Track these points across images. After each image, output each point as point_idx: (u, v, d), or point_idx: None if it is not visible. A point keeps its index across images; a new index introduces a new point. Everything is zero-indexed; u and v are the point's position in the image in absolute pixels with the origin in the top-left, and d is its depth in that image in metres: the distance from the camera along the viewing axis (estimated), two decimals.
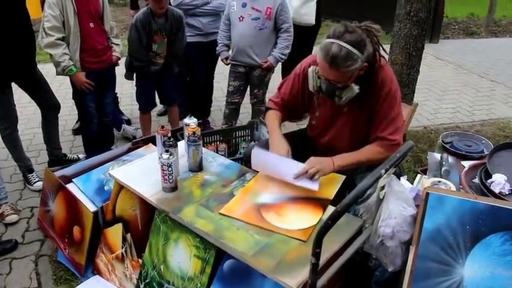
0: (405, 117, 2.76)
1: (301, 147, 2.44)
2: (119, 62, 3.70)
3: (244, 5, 3.64)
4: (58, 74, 3.39)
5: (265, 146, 2.43)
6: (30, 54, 3.24)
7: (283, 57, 3.80)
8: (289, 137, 2.45)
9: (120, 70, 3.80)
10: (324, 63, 2.06)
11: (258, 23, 3.64)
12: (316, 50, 2.11)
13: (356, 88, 2.13)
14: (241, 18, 3.66)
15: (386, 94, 2.21)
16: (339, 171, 2.26)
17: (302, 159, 2.26)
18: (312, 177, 2.17)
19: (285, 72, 5.02)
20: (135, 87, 3.97)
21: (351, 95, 2.14)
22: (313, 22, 4.45)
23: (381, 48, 2.18)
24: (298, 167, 2.20)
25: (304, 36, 4.37)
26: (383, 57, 2.21)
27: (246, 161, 2.61)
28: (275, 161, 2.27)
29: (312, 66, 2.23)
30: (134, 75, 3.85)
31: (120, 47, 3.65)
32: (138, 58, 3.63)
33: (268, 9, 3.61)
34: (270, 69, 3.86)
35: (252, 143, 3.31)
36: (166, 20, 3.55)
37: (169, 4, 3.74)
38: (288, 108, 2.56)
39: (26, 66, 3.23)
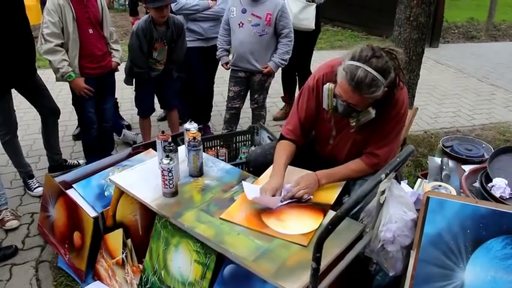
0: (405, 121, 2.77)
1: (305, 154, 2.46)
2: (118, 67, 3.71)
3: (244, 11, 3.64)
4: (57, 80, 3.40)
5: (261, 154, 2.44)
6: (30, 60, 3.25)
7: (284, 62, 3.80)
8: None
9: (120, 75, 3.81)
10: (347, 87, 2.00)
11: (258, 29, 3.64)
12: (339, 71, 2.04)
13: (373, 112, 2.09)
14: (241, 24, 3.66)
15: (394, 115, 2.19)
16: None
17: (305, 165, 2.30)
18: (300, 199, 2.17)
19: (284, 77, 5.04)
20: (135, 93, 3.98)
21: (367, 118, 2.10)
22: (313, 27, 4.46)
23: (403, 74, 2.13)
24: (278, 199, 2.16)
25: (304, 41, 4.38)
26: (402, 81, 2.15)
27: (248, 163, 2.63)
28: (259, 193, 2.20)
29: (327, 84, 2.14)
30: (134, 80, 3.86)
31: (119, 52, 3.65)
32: (138, 65, 3.64)
33: (268, 15, 3.61)
34: (270, 75, 3.86)
35: (253, 147, 3.32)
36: (167, 28, 3.56)
37: (171, 10, 3.76)
38: (307, 129, 2.45)
39: (26, 73, 3.23)
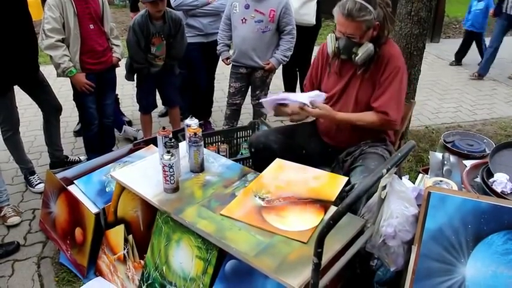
0: (404, 115, 2.77)
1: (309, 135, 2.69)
2: (119, 63, 3.71)
3: (247, 7, 3.63)
4: (58, 75, 3.40)
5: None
6: (33, 56, 3.25)
7: (286, 59, 3.79)
8: (300, 125, 2.71)
9: (121, 71, 3.81)
10: (341, 17, 2.31)
11: (261, 26, 3.62)
12: (334, 12, 2.35)
13: (371, 45, 2.34)
14: (243, 20, 3.65)
15: (393, 70, 2.39)
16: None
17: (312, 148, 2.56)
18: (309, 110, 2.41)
19: (285, 72, 5.03)
20: (136, 89, 3.98)
21: (366, 51, 2.34)
22: (314, 22, 4.45)
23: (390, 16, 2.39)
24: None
25: (305, 36, 4.37)
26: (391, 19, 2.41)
27: (251, 143, 2.69)
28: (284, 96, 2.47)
29: (330, 34, 2.48)
30: (134, 76, 3.86)
31: (120, 48, 3.65)
32: (137, 60, 3.64)
33: (271, 11, 3.60)
34: (271, 71, 3.85)
35: None
36: (164, 23, 3.55)
37: (170, 5, 3.75)
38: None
39: (29, 69, 3.23)
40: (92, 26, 3.35)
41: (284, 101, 2.45)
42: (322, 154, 2.64)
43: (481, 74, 6.40)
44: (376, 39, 2.38)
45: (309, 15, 4.41)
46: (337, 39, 2.42)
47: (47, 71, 4.14)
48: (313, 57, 4.68)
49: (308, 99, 2.38)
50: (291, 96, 2.45)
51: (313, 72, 2.72)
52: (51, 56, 3.29)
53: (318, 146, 2.66)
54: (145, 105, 3.97)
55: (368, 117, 2.44)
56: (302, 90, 3.19)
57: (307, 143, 2.66)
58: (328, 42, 2.48)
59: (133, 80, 3.92)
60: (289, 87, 5.03)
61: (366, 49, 2.34)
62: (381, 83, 2.41)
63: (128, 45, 3.61)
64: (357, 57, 2.36)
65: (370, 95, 2.45)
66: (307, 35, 4.47)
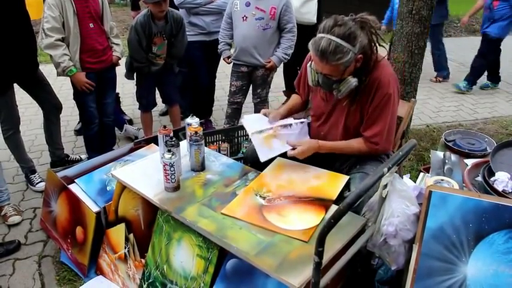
0: (404, 114, 2.77)
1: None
2: (119, 62, 3.70)
3: (247, 4, 3.63)
4: (58, 74, 3.40)
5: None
6: (31, 55, 3.25)
7: (287, 57, 3.79)
8: None
9: (121, 70, 3.80)
10: (316, 58, 2.13)
11: (262, 23, 3.62)
12: (309, 46, 2.16)
13: (353, 81, 2.17)
14: (244, 18, 3.65)
15: (383, 97, 2.23)
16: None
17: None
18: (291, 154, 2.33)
19: (286, 71, 5.02)
20: (136, 87, 3.98)
21: (348, 87, 2.18)
22: (315, 21, 4.45)
23: (379, 39, 2.20)
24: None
25: (306, 35, 4.35)
26: (383, 48, 2.26)
27: (246, 159, 2.61)
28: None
29: (310, 62, 2.27)
30: (134, 75, 3.86)
31: (120, 46, 3.65)
32: (138, 59, 3.64)
33: (272, 9, 3.60)
34: (272, 69, 3.85)
35: None
36: (166, 23, 3.55)
37: (172, 4, 3.74)
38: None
39: (28, 68, 3.23)
40: (91, 25, 3.35)
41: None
42: (317, 164, 2.54)
43: (445, 77, 6.37)
44: (361, 69, 2.20)
45: (309, 13, 4.41)
46: (317, 72, 2.24)
47: (47, 70, 4.15)
48: None
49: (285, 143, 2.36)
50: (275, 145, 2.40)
51: (304, 78, 2.58)
52: (51, 55, 3.29)
53: (313, 156, 2.48)
54: (145, 103, 3.97)
55: (356, 144, 2.34)
56: None
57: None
58: (308, 73, 2.31)
59: (133, 79, 3.91)
60: (290, 85, 5.02)
61: (347, 86, 2.17)
62: (370, 112, 2.27)
63: (129, 44, 3.61)
64: (338, 94, 2.22)
65: (358, 121, 2.34)
66: (308, 33, 4.44)
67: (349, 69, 2.15)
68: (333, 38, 2.04)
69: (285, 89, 5.14)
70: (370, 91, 2.23)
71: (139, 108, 4.03)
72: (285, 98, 5.11)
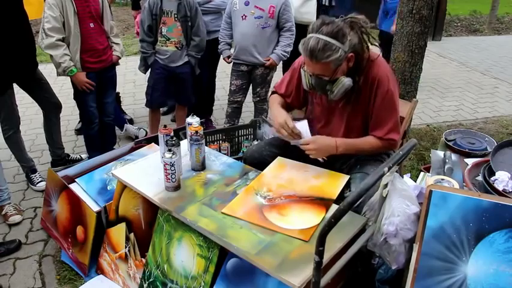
0: (405, 114, 2.77)
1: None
2: (119, 61, 3.71)
3: (247, 3, 3.64)
4: (59, 74, 3.39)
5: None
6: (30, 55, 3.25)
7: (286, 55, 3.79)
8: None
9: (121, 70, 3.80)
10: (306, 58, 2.15)
11: (261, 22, 3.64)
12: (299, 46, 2.17)
13: (346, 80, 2.16)
14: (243, 17, 3.66)
15: (383, 94, 2.23)
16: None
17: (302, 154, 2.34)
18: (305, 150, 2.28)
19: (286, 70, 5.02)
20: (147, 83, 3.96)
21: (341, 87, 2.17)
22: (314, 20, 4.44)
23: (370, 38, 2.20)
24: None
25: (305, 35, 4.36)
26: (375, 46, 2.24)
27: (246, 160, 2.61)
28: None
29: (303, 65, 2.28)
30: (148, 71, 3.85)
31: (120, 46, 3.65)
32: (142, 45, 3.68)
33: (271, 7, 3.61)
34: (272, 68, 3.85)
35: (255, 141, 3.31)
36: (179, 3, 3.55)
37: None
38: (287, 102, 2.60)
39: (27, 67, 3.23)
40: (92, 25, 3.35)
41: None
42: (317, 165, 2.55)
43: None
44: (354, 69, 2.20)
45: (309, 13, 4.41)
46: (310, 75, 2.23)
47: (48, 70, 4.15)
48: None
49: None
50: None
51: (290, 84, 2.54)
52: (51, 55, 3.29)
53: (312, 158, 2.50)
54: (149, 100, 3.93)
55: (373, 140, 2.32)
56: None
57: (302, 155, 2.46)
58: (302, 77, 2.30)
59: (145, 73, 3.90)
60: None
61: (340, 86, 2.16)
62: (375, 111, 2.27)
63: (140, 24, 3.66)
64: (332, 95, 2.21)
65: (361, 122, 2.35)
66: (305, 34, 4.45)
67: (341, 69, 2.15)
68: (321, 36, 2.07)
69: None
70: (371, 90, 2.23)
71: (145, 105, 4.01)
72: None
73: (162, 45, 3.70)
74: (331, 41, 2.06)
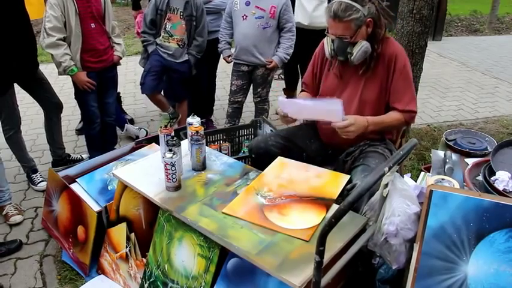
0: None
1: (309, 138, 2.66)
2: (120, 61, 3.71)
3: (247, 4, 3.64)
4: (60, 74, 3.40)
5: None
6: (31, 54, 3.25)
7: (288, 57, 3.80)
8: (299, 128, 2.73)
9: (122, 70, 3.80)
10: (329, 20, 2.34)
11: (262, 22, 3.63)
12: (324, 14, 2.41)
13: (365, 43, 2.34)
14: (244, 17, 3.66)
15: (403, 68, 2.41)
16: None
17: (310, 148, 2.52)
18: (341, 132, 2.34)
19: (287, 71, 5.02)
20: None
21: (360, 49, 2.34)
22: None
23: (385, 13, 2.39)
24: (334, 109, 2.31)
25: (317, 40, 4.35)
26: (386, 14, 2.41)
27: (251, 151, 2.67)
28: (307, 103, 2.47)
29: (326, 37, 2.47)
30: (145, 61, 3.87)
31: (122, 46, 3.65)
32: (143, 35, 3.74)
33: (272, 8, 3.61)
34: (273, 69, 3.86)
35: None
36: (186, 1, 3.58)
37: None
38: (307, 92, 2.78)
39: (28, 67, 3.23)
40: (93, 25, 3.35)
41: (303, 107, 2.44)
42: (322, 156, 2.62)
43: None
44: (372, 36, 2.38)
45: (322, 17, 4.38)
46: (332, 41, 2.42)
47: (49, 70, 4.16)
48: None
49: (327, 109, 2.33)
50: (309, 103, 2.45)
51: (312, 71, 2.71)
52: (52, 55, 3.29)
53: (318, 148, 2.64)
54: (141, 83, 3.92)
55: (396, 115, 2.44)
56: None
57: (308, 146, 2.64)
58: (324, 45, 2.49)
59: (144, 66, 3.91)
60: (291, 84, 5.02)
61: (360, 47, 2.33)
62: (394, 84, 2.42)
63: (143, 18, 3.71)
64: (352, 57, 2.37)
65: (377, 95, 2.45)
66: (319, 38, 4.43)
67: (361, 32, 2.33)
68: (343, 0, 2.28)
69: (285, 88, 5.14)
70: (390, 65, 2.41)
71: (141, 92, 4.00)
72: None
73: (164, 41, 3.72)
74: (352, 3, 2.27)
